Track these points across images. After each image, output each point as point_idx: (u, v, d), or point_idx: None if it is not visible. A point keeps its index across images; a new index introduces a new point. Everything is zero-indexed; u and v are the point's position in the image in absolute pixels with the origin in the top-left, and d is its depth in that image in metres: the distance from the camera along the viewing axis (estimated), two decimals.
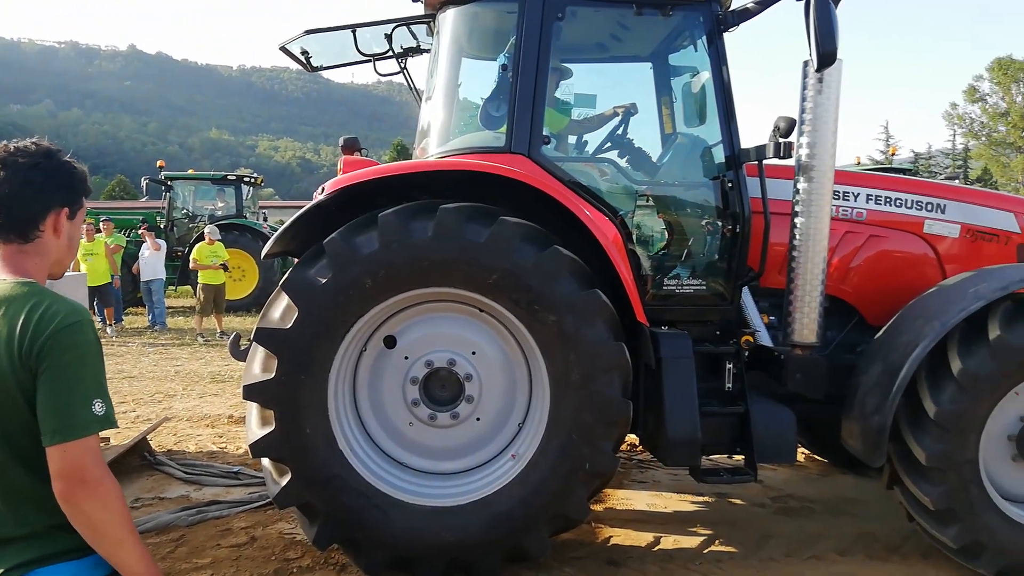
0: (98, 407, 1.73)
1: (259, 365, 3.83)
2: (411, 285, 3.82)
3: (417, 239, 3.71)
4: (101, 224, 14.58)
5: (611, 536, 4.74)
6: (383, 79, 5.93)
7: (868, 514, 5.16)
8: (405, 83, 5.43)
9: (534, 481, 3.87)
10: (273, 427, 3.74)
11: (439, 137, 4.68)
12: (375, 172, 4.02)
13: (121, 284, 15.39)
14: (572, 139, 5.01)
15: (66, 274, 6.82)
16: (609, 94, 5.09)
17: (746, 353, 4.35)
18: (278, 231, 4.14)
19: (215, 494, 5.40)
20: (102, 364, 1.79)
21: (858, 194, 4.77)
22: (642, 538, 4.72)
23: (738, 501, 5.44)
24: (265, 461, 3.94)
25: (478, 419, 4.07)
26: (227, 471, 5.84)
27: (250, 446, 3.83)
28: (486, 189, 4.03)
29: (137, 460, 6.03)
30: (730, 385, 4.27)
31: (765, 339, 4.47)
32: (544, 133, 4.31)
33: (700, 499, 5.45)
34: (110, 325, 14.00)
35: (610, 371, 3.80)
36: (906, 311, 4.29)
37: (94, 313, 14.23)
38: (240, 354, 4.32)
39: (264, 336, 3.77)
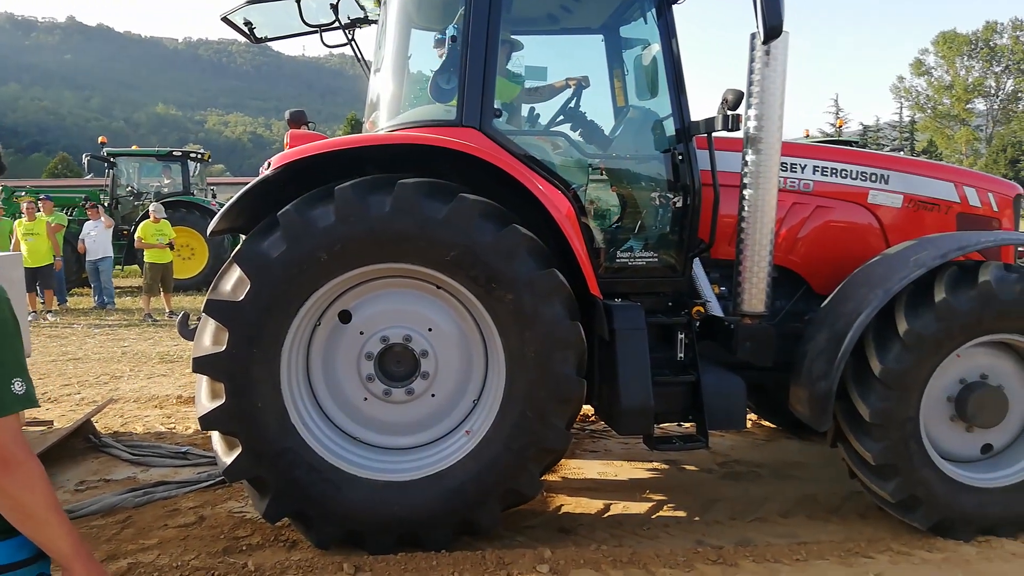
0: (17, 386, 1.70)
1: (210, 337, 3.78)
2: (367, 260, 3.80)
3: (374, 213, 3.69)
4: (40, 203, 14.10)
5: (562, 504, 4.82)
6: (335, 52, 5.82)
7: (810, 477, 5.33)
8: (353, 55, 5.33)
9: (487, 457, 3.91)
10: (223, 400, 3.72)
11: (389, 110, 4.63)
12: (322, 146, 3.96)
13: (64, 264, 14.97)
14: (524, 112, 4.98)
15: (1, 254, 6.56)
16: (560, 67, 5.07)
17: (697, 323, 4.43)
18: (224, 207, 4.06)
19: (163, 475, 5.34)
20: (19, 342, 1.76)
21: (805, 166, 4.86)
22: (593, 506, 4.81)
23: (687, 467, 5.57)
24: (215, 435, 3.92)
25: (433, 395, 4.09)
26: (175, 451, 5.78)
27: (199, 418, 3.80)
28: (437, 163, 4.00)
29: (82, 443, 5.91)
30: (682, 355, 4.35)
31: (716, 309, 4.54)
32: (495, 106, 4.28)
33: (650, 467, 5.56)
34: (51, 310, 13.58)
35: (565, 349, 3.84)
36: (851, 280, 4.41)
37: (36, 295, 13.80)
38: (188, 333, 4.26)
39: (215, 308, 3.73)
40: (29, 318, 12.96)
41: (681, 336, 4.35)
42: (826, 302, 4.45)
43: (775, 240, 4.35)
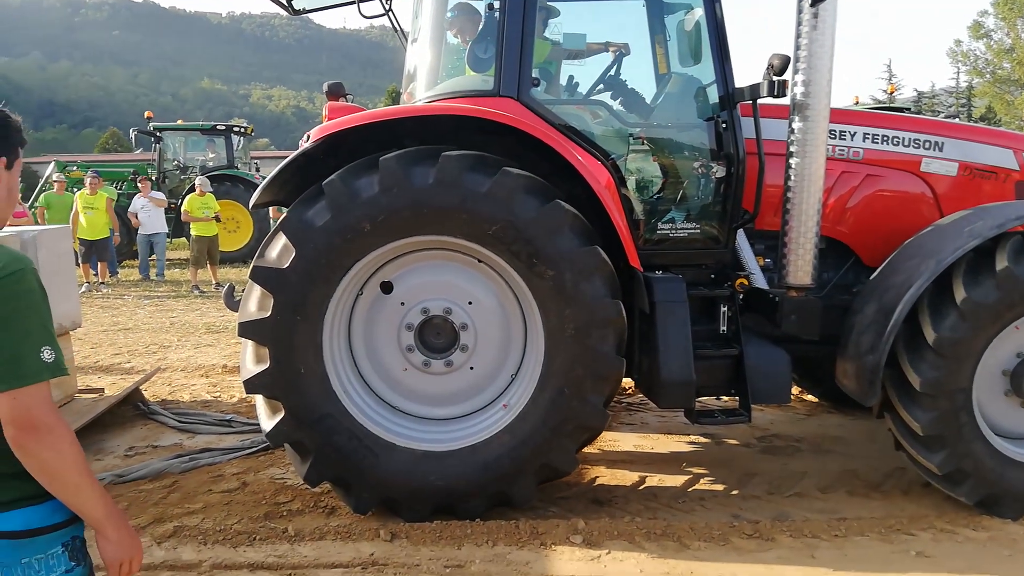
0: (47, 354, 1.71)
1: (255, 303, 3.83)
2: (410, 232, 3.80)
3: (418, 185, 3.68)
4: (87, 179, 14.40)
5: (597, 476, 4.80)
6: (374, 24, 5.77)
7: (852, 452, 5.22)
8: (391, 26, 5.28)
9: (523, 432, 3.92)
10: (267, 365, 3.77)
11: (426, 81, 4.59)
12: (361, 118, 3.94)
13: (120, 235, 15.30)
14: (563, 81, 4.90)
15: (48, 227, 6.73)
16: (600, 34, 4.96)
17: (741, 296, 4.34)
18: (265, 180, 4.08)
19: (208, 442, 5.46)
20: (47, 311, 1.77)
21: (855, 133, 4.69)
22: (628, 478, 4.78)
23: (725, 441, 5.49)
24: (259, 398, 3.98)
25: (471, 368, 4.10)
26: (220, 419, 5.90)
27: (244, 382, 3.87)
28: (476, 134, 3.97)
29: (131, 410, 6.09)
30: (724, 328, 4.27)
31: (760, 281, 4.45)
32: (534, 75, 4.21)
33: (687, 440, 5.51)
34: (103, 282, 13.88)
35: (605, 327, 3.81)
36: (902, 251, 4.27)
37: (88, 266, 14.12)
38: (234, 304, 4.33)
39: (261, 275, 3.77)
40: (83, 289, 13.32)
41: (724, 309, 4.26)
42: (876, 274, 4.32)
43: (823, 210, 4.21)
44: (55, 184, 15.37)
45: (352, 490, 3.99)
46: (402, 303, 4.03)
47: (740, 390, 4.20)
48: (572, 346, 3.82)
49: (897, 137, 4.70)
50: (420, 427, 4.10)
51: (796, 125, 4.11)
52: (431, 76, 4.62)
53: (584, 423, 3.93)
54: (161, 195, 15.43)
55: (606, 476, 4.81)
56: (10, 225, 12.19)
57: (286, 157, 4.05)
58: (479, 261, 4.00)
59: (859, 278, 4.71)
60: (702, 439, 5.52)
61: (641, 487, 4.66)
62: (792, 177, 4.15)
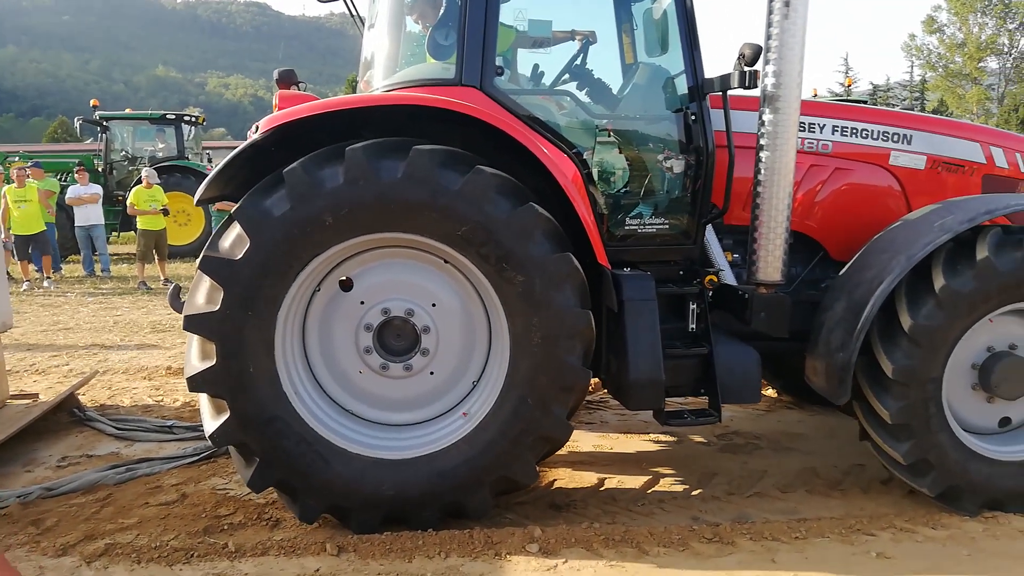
0: None
1: (204, 295, 3.61)
2: (374, 228, 3.62)
3: (386, 179, 3.50)
4: (29, 170, 13.82)
5: (556, 479, 4.68)
6: (335, 11, 5.52)
7: (812, 449, 5.19)
8: (347, 11, 5.04)
9: (483, 441, 3.78)
10: (213, 362, 3.56)
11: (384, 69, 4.40)
12: (313, 108, 3.73)
13: (59, 231, 14.71)
14: (528, 70, 4.73)
15: None
16: (565, 22, 4.79)
17: (710, 293, 4.24)
18: (210, 174, 3.86)
19: (147, 450, 5.23)
20: None
21: (823, 125, 4.61)
22: (587, 480, 4.67)
23: (685, 439, 5.42)
24: (203, 398, 3.76)
25: (432, 373, 3.94)
26: (160, 425, 5.66)
27: (187, 379, 3.65)
28: (436, 124, 3.80)
29: (66, 417, 5.81)
30: (693, 326, 4.17)
31: (729, 278, 4.35)
32: (497, 63, 4.04)
33: (647, 439, 5.42)
34: (48, 277, 13.38)
35: (572, 338, 3.68)
36: (872, 245, 4.21)
37: (29, 263, 13.58)
38: (179, 305, 4.10)
39: (211, 265, 3.56)
40: (23, 287, 12.82)
41: (693, 306, 4.16)
42: (845, 269, 4.26)
43: (792, 204, 4.12)
44: None
45: (298, 497, 3.80)
46: (362, 302, 3.85)
47: (710, 390, 4.10)
48: (538, 355, 3.68)
49: (866, 130, 4.63)
50: (374, 433, 3.93)
51: (767, 117, 4.00)
52: (389, 64, 4.43)
53: (546, 434, 3.81)
54: (97, 188, 14.83)
55: (565, 478, 4.69)
56: None
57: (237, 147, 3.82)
58: (445, 262, 3.84)
59: (827, 273, 4.65)
60: (663, 437, 5.43)
61: (600, 489, 4.55)
62: (762, 171, 4.04)
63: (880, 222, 4.35)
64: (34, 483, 4.64)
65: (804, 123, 4.45)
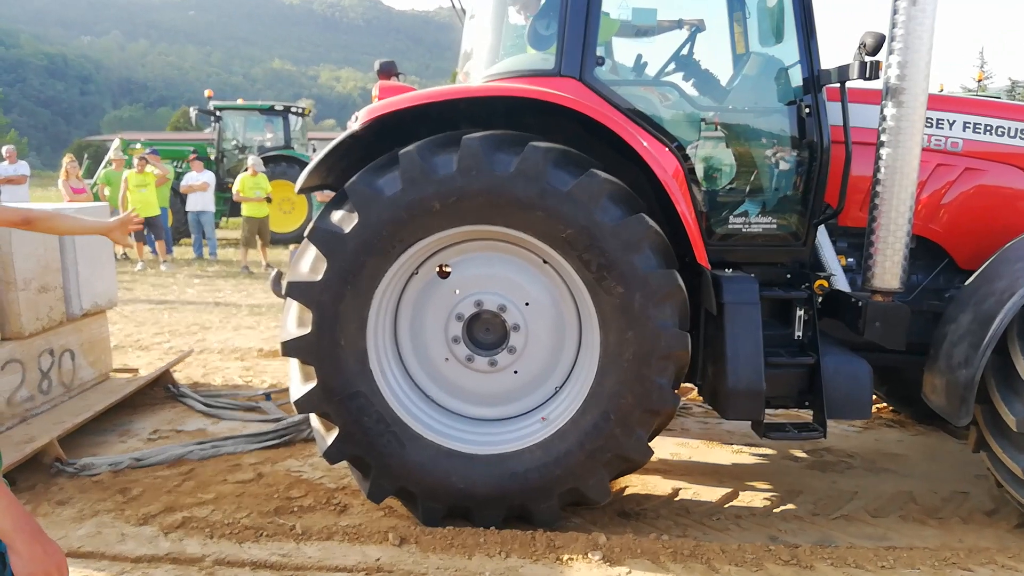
0: None
1: (308, 264, 3.65)
2: (480, 219, 3.58)
3: (499, 172, 3.45)
4: (149, 156, 14.53)
5: (626, 486, 4.50)
6: (444, 5, 5.50)
7: (909, 472, 4.80)
8: (451, 3, 5.00)
9: (558, 451, 3.68)
10: (309, 330, 3.61)
11: (484, 60, 4.31)
12: (412, 99, 3.69)
13: (174, 215, 15.34)
14: (631, 60, 4.56)
15: (89, 204, 6.83)
16: (672, 10, 4.59)
17: (819, 299, 3.97)
18: (310, 164, 3.89)
19: (232, 428, 5.41)
20: None
21: (953, 121, 4.24)
22: (660, 488, 4.48)
23: (770, 453, 5.11)
24: (293, 363, 3.80)
25: (515, 372, 3.87)
26: (248, 405, 5.87)
27: (282, 343, 3.72)
28: (533, 116, 3.71)
29: (161, 392, 6.10)
30: (799, 333, 3.92)
31: (842, 283, 4.07)
32: (598, 54, 3.90)
33: (729, 450, 5.15)
34: (164, 261, 14.03)
35: (666, 359, 3.54)
36: (1003, 254, 3.86)
37: (144, 244, 14.25)
38: (280, 290, 4.18)
39: (319, 236, 3.59)
40: (137, 267, 13.51)
41: (800, 312, 3.91)
42: (972, 279, 3.91)
43: (914, 206, 3.80)
44: (113, 162, 15.60)
45: (370, 475, 3.80)
46: (456, 291, 3.82)
47: (815, 403, 3.85)
48: (627, 372, 3.55)
49: (1003, 127, 4.23)
50: (451, 423, 3.90)
51: (889, 111, 3.69)
52: (489, 54, 4.34)
53: (624, 455, 3.67)
54: (209, 176, 15.25)
55: (636, 485, 4.52)
56: (69, 202, 12.43)
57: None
58: (544, 262, 3.75)
59: (952, 282, 4.30)
60: (745, 449, 5.16)
61: (674, 500, 4.36)
62: (883, 169, 3.74)
63: (1014, 229, 4.01)
64: (126, 453, 4.88)
65: (931, 119, 4.13)
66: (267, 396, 6.05)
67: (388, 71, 4.84)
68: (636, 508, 4.21)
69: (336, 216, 3.60)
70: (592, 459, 3.66)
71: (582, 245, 3.49)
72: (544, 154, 3.44)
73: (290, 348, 3.67)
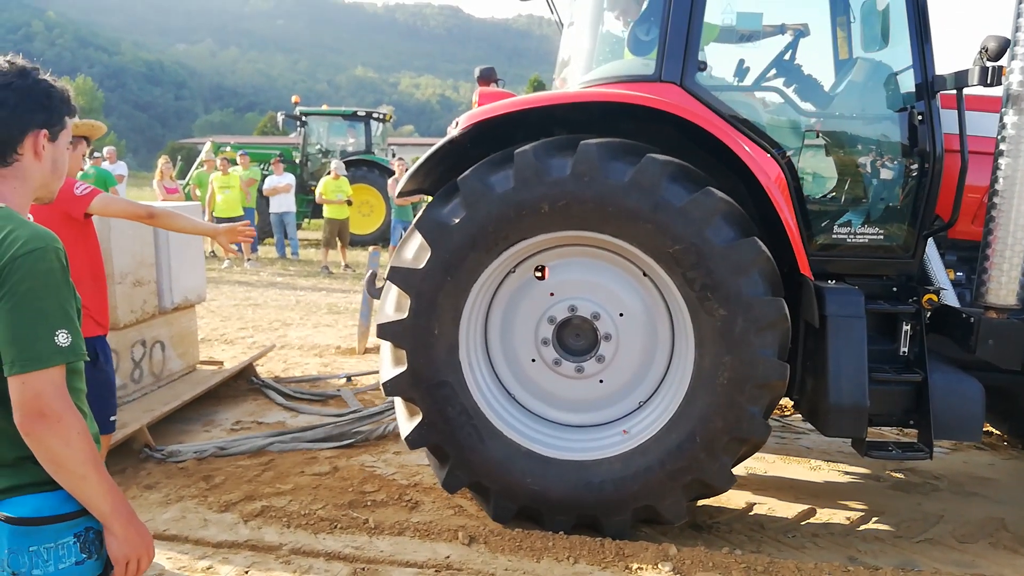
0: (62, 337, 1.63)
1: (412, 252, 3.70)
2: (587, 226, 3.56)
3: (612, 180, 3.43)
4: (238, 158, 15.00)
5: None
6: (523, 12, 5.59)
7: (1001, 498, 4.52)
8: (549, 11, 5.00)
9: (637, 465, 3.63)
10: (405, 315, 3.65)
11: (582, 66, 4.29)
12: (512, 105, 3.70)
13: (259, 216, 15.73)
14: (732, 66, 4.47)
15: (182, 203, 7.11)
16: (774, 14, 4.48)
17: (928, 314, 3.80)
18: (411, 169, 3.94)
19: (310, 421, 5.58)
20: (68, 292, 1.68)
21: None
22: (735, 502, 4.35)
23: (851, 471, 4.90)
24: (385, 346, 3.84)
25: (601, 381, 3.83)
26: (326, 395, 6.16)
27: (378, 325, 3.77)
28: (632, 122, 3.68)
29: (244, 384, 6.33)
30: (905, 349, 3.76)
31: (952, 298, 3.88)
32: (700, 59, 3.84)
33: (808, 466, 4.96)
34: (248, 258, 14.43)
35: (762, 387, 3.47)
36: None
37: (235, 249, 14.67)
38: (376, 292, 4.26)
39: (426, 225, 3.64)
40: (224, 264, 14.00)
41: (906, 327, 3.75)
42: None
43: None
44: (205, 164, 16.15)
45: (448, 464, 3.81)
46: (552, 293, 3.81)
47: (921, 422, 3.68)
48: (720, 396, 3.48)
49: None
50: (532, 424, 3.88)
51: (1010, 119, 3.50)
52: (587, 60, 4.32)
53: (706, 480, 3.59)
54: (290, 179, 15.56)
55: (710, 498, 4.37)
56: (163, 200, 12.95)
57: (427, 145, 3.89)
58: (644, 274, 3.71)
59: None
60: (824, 466, 4.97)
61: (748, 515, 4.23)
62: (1001, 180, 3.55)
63: None
64: (210, 441, 5.08)
65: None
66: (348, 378, 6.33)
67: (488, 77, 4.87)
68: (708, 521, 4.11)
69: (445, 208, 3.63)
70: (672, 479, 3.60)
71: (689, 263, 3.44)
72: (661, 167, 3.40)
73: (385, 331, 3.72)
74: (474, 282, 3.66)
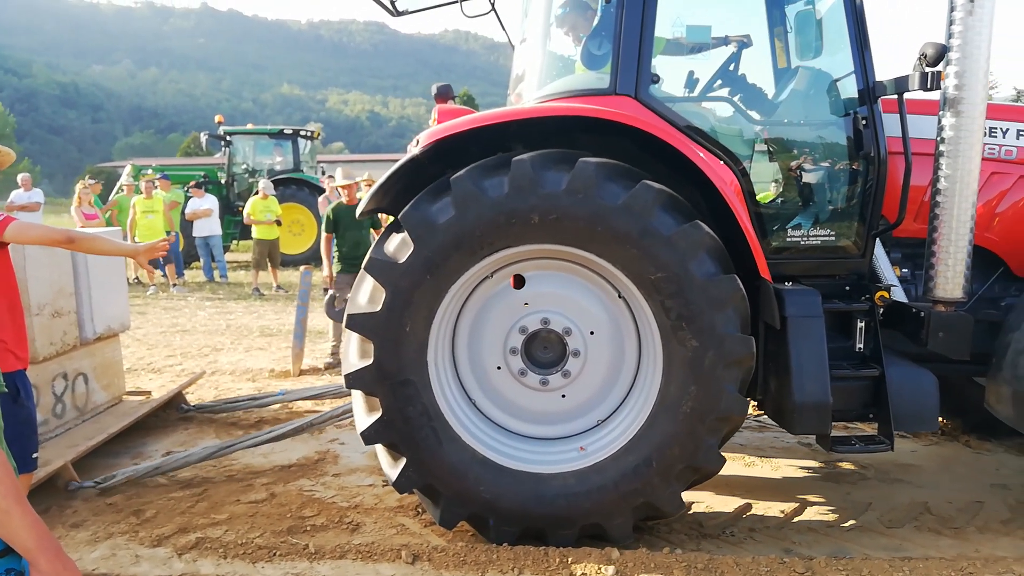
0: None
1: (394, 245, 3.64)
2: (573, 242, 3.57)
3: (606, 201, 3.45)
4: (158, 181, 14.58)
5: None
6: (448, 28, 5.59)
7: (924, 483, 4.76)
8: (498, 24, 5.02)
9: (591, 484, 3.67)
10: (378, 308, 3.60)
11: (536, 81, 4.33)
12: (473, 121, 3.71)
13: (185, 239, 15.24)
14: (681, 77, 4.56)
15: (102, 230, 6.92)
16: (718, 27, 4.58)
17: (880, 310, 3.93)
18: (372, 188, 3.90)
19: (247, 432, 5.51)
20: None
21: (1007, 129, 4.22)
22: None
23: (782, 465, 5.08)
24: (354, 337, 3.76)
25: (563, 396, 3.85)
26: (266, 402, 6.12)
27: (347, 315, 3.70)
28: (587, 135, 3.73)
29: (174, 413, 6.15)
30: (861, 346, 3.89)
31: (900, 294, 4.04)
32: (652, 72, 3.90)
33: (742, 463, 5.12)
34: (175, 284, 14.00)
35: (722, 420, 3.57)
36: None
37: (155, 268, 14.24)
38: (336, 314, 4.18)
39: (413, 220, 3.58)
40: (149, 291, 13.56)
41: (861, 325, 3.88)
42: None
43: None
44: (125, 188, 15.62)
45: (402, 465, 3.76)
46: (526, 303, 3.81)
47: (880, 415, 3.81)
48: (681, 425, 3.56)
49: None
50: (490, 432, 3.88)
51: (948, 121, 3.69)
52: (542, 76, 4.37)
53: (657, 504, 3.67)
54: (211, 203, 15.17)
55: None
56: (82, 227, 12.48)
57: (356, 162, 3.85)
58: (619, 295, 3.75)
59: (1008, 291, 4.27)
60: (758, 462, 5.14)
61: (687, 514, 4.33)
62: (943, 179, 3.72)
63: None
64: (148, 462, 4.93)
65: (985, 127, 4.07)
66: (280, 392, 6.19)
67: (445, 95, 4.86)
68: (649, 523, 4.17)
69: (434, 205, 3.59)
70: (624, 500, 3.65)
71: (669, 291, 3.49)
72: (655, 195, 3.44)
73: (355, 322, 3.66)
74: (453, 283, 3.64)
